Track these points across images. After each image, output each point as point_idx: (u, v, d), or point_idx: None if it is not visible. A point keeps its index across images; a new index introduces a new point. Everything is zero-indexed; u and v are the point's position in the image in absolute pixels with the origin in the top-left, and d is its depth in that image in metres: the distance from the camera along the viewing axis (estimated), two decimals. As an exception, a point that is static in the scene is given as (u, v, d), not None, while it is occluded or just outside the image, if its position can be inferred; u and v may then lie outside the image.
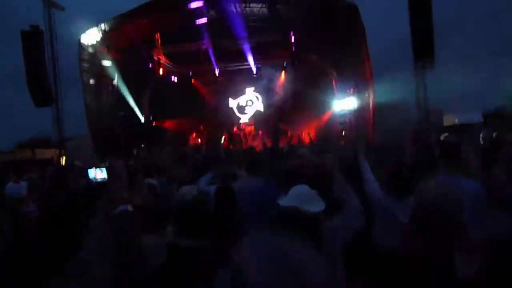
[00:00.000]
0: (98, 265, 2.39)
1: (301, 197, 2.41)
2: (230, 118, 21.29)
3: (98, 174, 3.37)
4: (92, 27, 18.33)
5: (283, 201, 2.42)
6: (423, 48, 15.92)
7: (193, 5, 19.08)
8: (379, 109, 18.39)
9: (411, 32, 16.07)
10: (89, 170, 3.42)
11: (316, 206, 2.37)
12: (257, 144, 16.80)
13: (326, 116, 20.20)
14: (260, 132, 20.20)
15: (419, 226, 1.97)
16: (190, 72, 21.44)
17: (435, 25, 15.63)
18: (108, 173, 3.37)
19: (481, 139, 6.02)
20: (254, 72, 20.83)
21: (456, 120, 21.48)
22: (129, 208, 2.62)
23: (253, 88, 21.88)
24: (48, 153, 20.13)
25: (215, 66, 19.78)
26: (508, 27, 61.45)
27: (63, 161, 15.68)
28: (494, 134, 7.07)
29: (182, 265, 2.34)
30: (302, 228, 2.07)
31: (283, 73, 19.60)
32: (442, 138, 6.11)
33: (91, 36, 18.43)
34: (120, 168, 3.13)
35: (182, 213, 2.69)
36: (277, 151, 8.24)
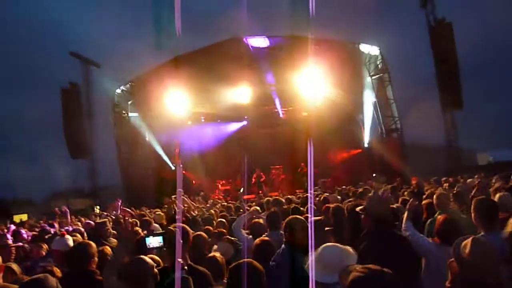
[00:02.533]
0: None
1: (331, 262, 2.20)
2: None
3: (154, 242, 3.48)
4: (125, 83, 19.31)
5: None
6: (451, 99, 15.84)
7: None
8: (408, 149, 18.10)
9: (437, 85, 16.13)
10: (146, 239, 3.53)
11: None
12: (285, 190, 16.62)
13: (354, 153, 19.78)
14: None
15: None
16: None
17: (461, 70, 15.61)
18: (164, 240, 3.49)
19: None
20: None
21: (491, 159, 20.76)
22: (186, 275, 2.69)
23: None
24: (82, 203, 20.63)
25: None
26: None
27: (97, 210, 16.00)
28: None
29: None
30: None
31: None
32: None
33: (123, 91, 19.39)
34: (175, 236, 3.21)
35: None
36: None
